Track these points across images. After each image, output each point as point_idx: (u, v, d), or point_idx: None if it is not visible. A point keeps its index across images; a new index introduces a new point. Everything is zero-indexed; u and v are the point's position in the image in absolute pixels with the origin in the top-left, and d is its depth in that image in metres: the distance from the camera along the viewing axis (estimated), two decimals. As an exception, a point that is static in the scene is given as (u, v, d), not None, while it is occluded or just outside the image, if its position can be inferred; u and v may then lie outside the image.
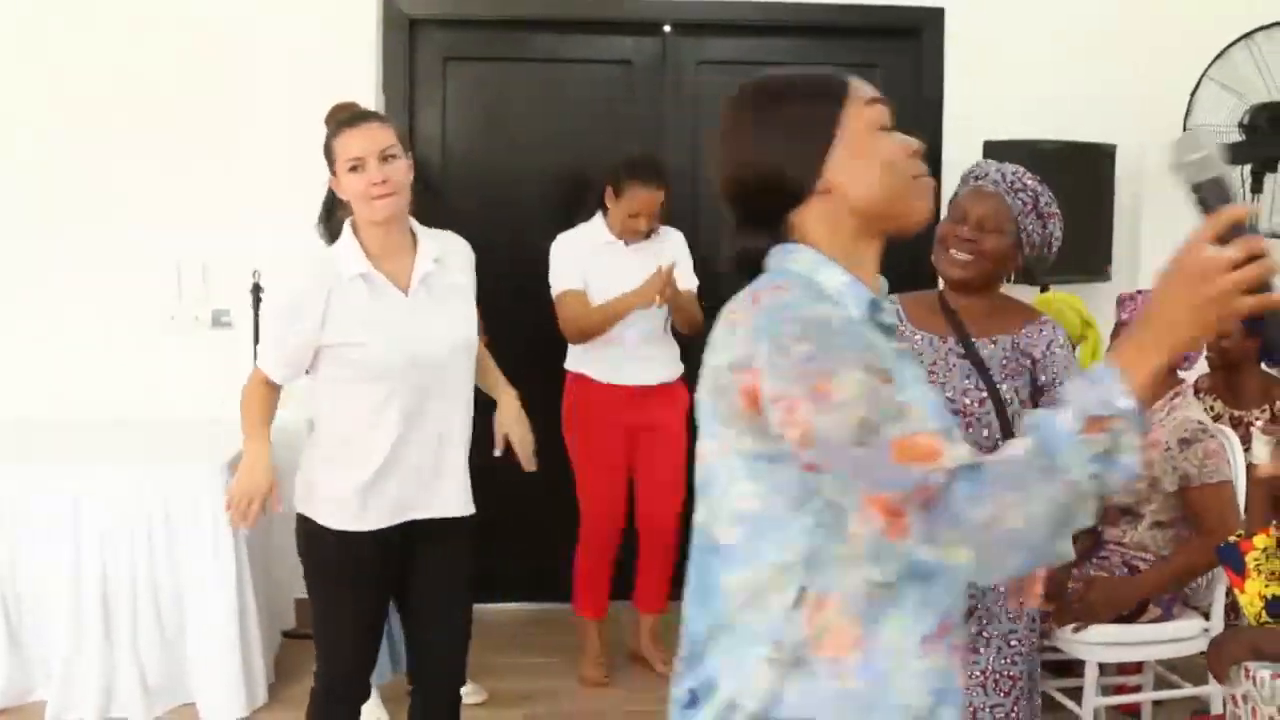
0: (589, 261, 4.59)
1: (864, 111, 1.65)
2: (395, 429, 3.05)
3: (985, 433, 2.72)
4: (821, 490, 1.51)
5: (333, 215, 3.95)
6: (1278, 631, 2.96)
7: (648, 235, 4.61)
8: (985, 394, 2.73)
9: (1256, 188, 5.11)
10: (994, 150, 5.21)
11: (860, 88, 1.66)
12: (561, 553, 4.90)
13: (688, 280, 4.64)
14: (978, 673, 2.81)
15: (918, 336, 2.78)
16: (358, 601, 3.15)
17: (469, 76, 5.42)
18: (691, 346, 4.55)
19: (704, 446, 1.63)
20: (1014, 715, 2.81)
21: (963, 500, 1.39)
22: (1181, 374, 3.85)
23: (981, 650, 2.82)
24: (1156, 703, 4.01)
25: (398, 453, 3.07)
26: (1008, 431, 2.71)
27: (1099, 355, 4.27)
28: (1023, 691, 2.83)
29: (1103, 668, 4.07)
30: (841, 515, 1.51)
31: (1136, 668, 4.19)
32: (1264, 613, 3.01)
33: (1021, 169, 2.90)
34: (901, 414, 1.45)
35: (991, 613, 2.82)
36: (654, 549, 4.79)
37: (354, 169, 2.99)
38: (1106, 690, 4.01)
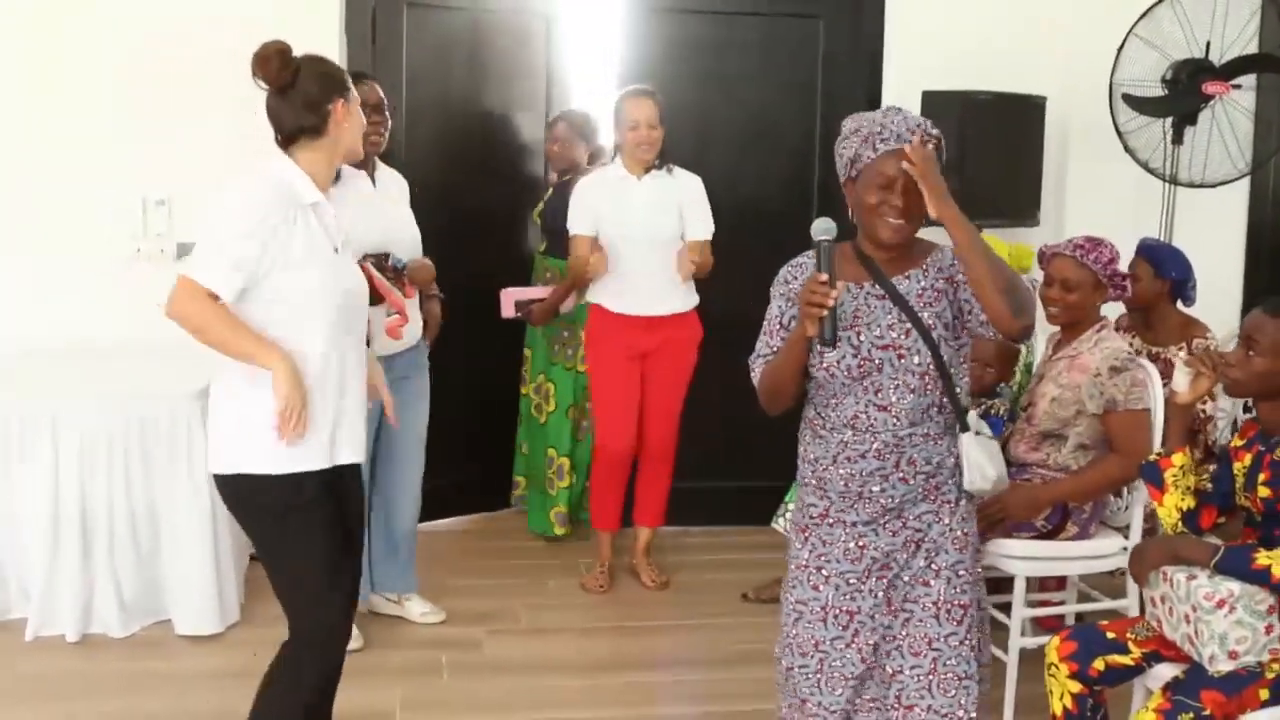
0: (603, 200, 4.90)
1: None
2: (320, 363, 3.09)
3: (916, 359, 2.88)
4: None
5: None
6: (1192, 539, 3.23)
7: (659, 167, 4.91)
8: (910, 325, 2.89)
9: (1177, 140, 5.36)
10: (931, 100, 5.45)
11: None
12: (499, 463, 5.48)
13: (701, 228, 4.93)
14: (930, 604, 2.94)
15: (841, 287, 2.84)
16: (337, 539, 3.16)
17: (429, 21, 5.53)
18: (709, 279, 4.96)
19: None
20: (968, 642, 2.94)
21: None
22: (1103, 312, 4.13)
23: (932, 582, 2.94)
24: (1079, 616, 4.30)
25: (319, 394, 3.10)
26: (937, 356, 2.88)
27: None
28: (974, 619, 2.97)
29: (1030, 588, 4.38)
30: None
31: (1060, 585, 4.50)
32: (1180, 523, 3.29)
33: (920, 118, 2.93)
34: None
35: (939, 545, 2.95)
36: (651, 467, 5.16)
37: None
38: (1034, 607, 4.32)
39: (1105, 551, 3.98)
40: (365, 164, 4.37)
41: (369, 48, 5.36)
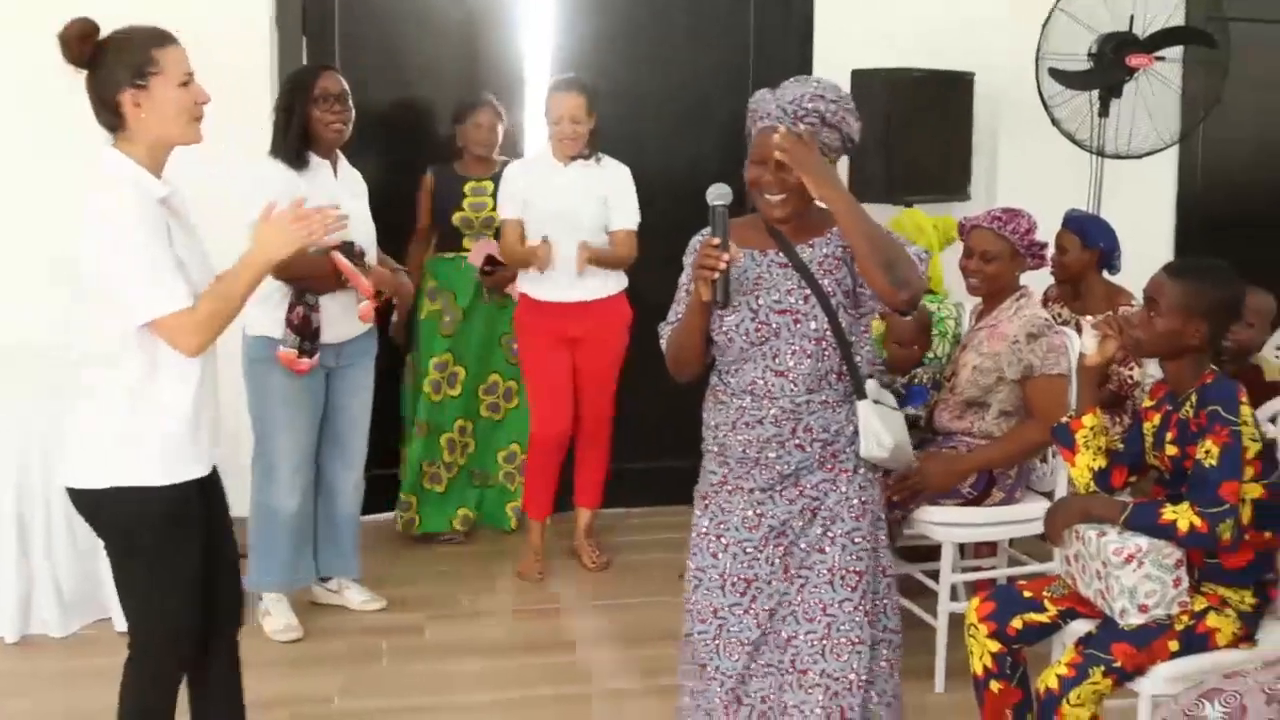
0: (531, 185, 4.91)
1: None
2: (203, 363, 2.90)
3: (813, 325, 2.92)
4: None
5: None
6: (1103, 497, 3.29)
7: (587, 157, 4.92)
8: (808, 291, 2.93)
9: (1103, 112, 5.43)
10: (861, 78, 5.50)
11: None
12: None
13: (625, 218, 4.95)
14: (825, 571, 2.97)
15: (740, 253, 2.88)
16: (194, 552, 2.96)
17: (361, 10, 5.54)
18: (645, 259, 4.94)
19: None
20: (862, 607, 2.96)
21: None
22: (1024, 282, 4.19)
23: (827, 549, 2.97)
24: (1010, 581, 4.36)
25: (200, 395, 2.92)
26: (835, 323, 2.92)
27: (932, 265, 4.62)
28: (868, 586, 2.99)
29: (962, 554, 4.45)
30: None
31: (991, 551, 4.56)
32: (1092, 483, 3.35)
33: (800, 91, 2.91)
34: None
35: (835, 513, 2.98)
36: (586, 451, 5.20)
37: (185, 84, 2.84)
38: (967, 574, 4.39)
39: (1031, 515, 4.02)
40: (327, 153, 4.41)
41: (299, 38, 5.39)
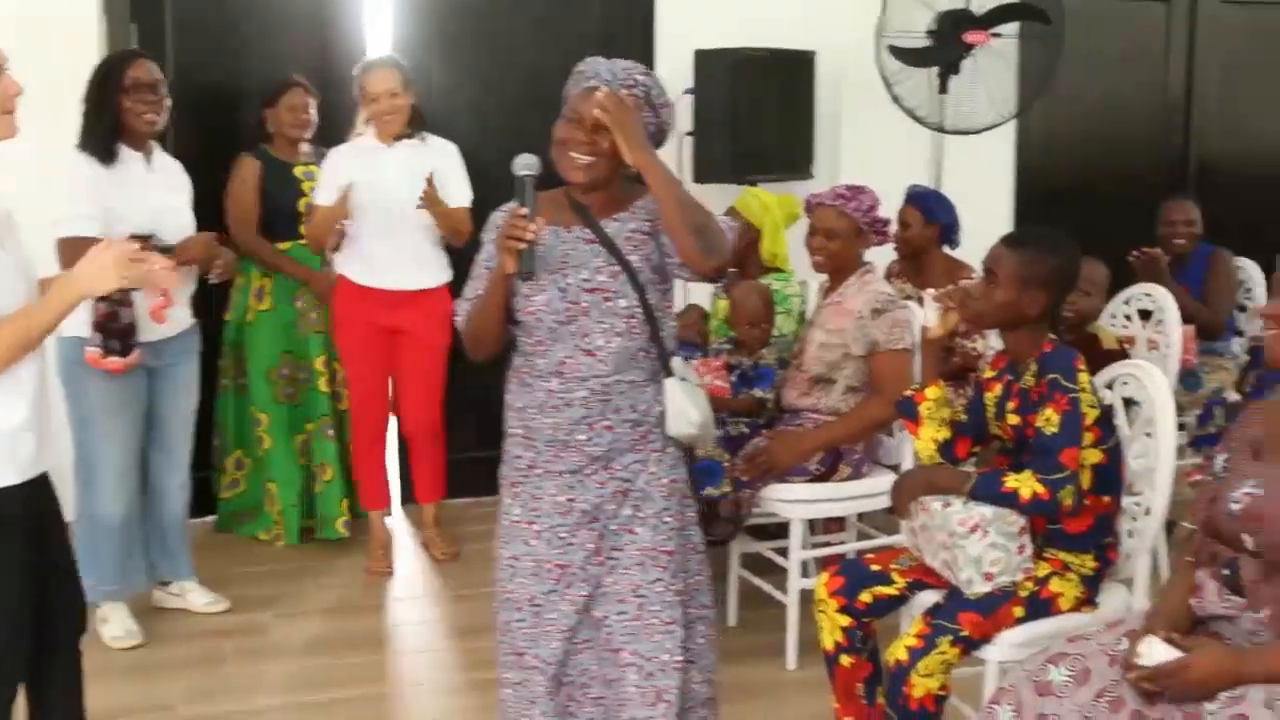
0: (353, 169, 4.75)
1: None
2: (39, 361, 2.73)
3: (623, 303, 2.86)
4: None
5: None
6: (948, 468, 3.30)
7: (411, 136, 4.80)
8: (618, 268, 2.87)
9: (943, 89, 5.49)
10: (704, 58, 5.50)
11: None
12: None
13: (458, 194, 4.82)
14: (635, 552, 2.91)
15: (545, 228, 2.83)
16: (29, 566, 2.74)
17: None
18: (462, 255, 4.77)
19: None
20: (673, 587, 2.93)
21: None
22: (868, 258, 4.21)
23: (638, 530, 2.93)
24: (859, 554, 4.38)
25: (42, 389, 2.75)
26: (644, 300, 2.87)
27: (777, 244, 4.62)
28: (680, 565, 2.96)
29: (812, 531, 4.46)
30: None
31: (839, 527, 4.58)
32: (937, 454, 3.36)
33: (632, 64, 2.91)
34: None
35: (645, 493, 2.94)
36: (422, 445, 5.08)
37: None
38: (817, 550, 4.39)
39: (878, 490, 4.04)
40: (140, 144, 4.23)
41: (128, 25, 5.20)
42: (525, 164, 2.81)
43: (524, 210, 2.76)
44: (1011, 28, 5.59)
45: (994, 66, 5.54)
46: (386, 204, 4.73)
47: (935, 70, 5.49)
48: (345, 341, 4.97)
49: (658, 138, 2.94)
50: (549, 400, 2.90)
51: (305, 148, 5.23)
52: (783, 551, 4.23)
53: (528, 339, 2.93)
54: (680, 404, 2.92)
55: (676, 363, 2.98)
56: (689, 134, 5.63)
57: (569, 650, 2.95)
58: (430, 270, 4.87)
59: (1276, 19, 7.13)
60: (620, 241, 2.89)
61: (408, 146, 4.80)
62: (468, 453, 5.29)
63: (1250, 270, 5.66)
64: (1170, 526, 4.26)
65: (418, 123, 4.82)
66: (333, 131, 5.24)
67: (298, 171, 5.16)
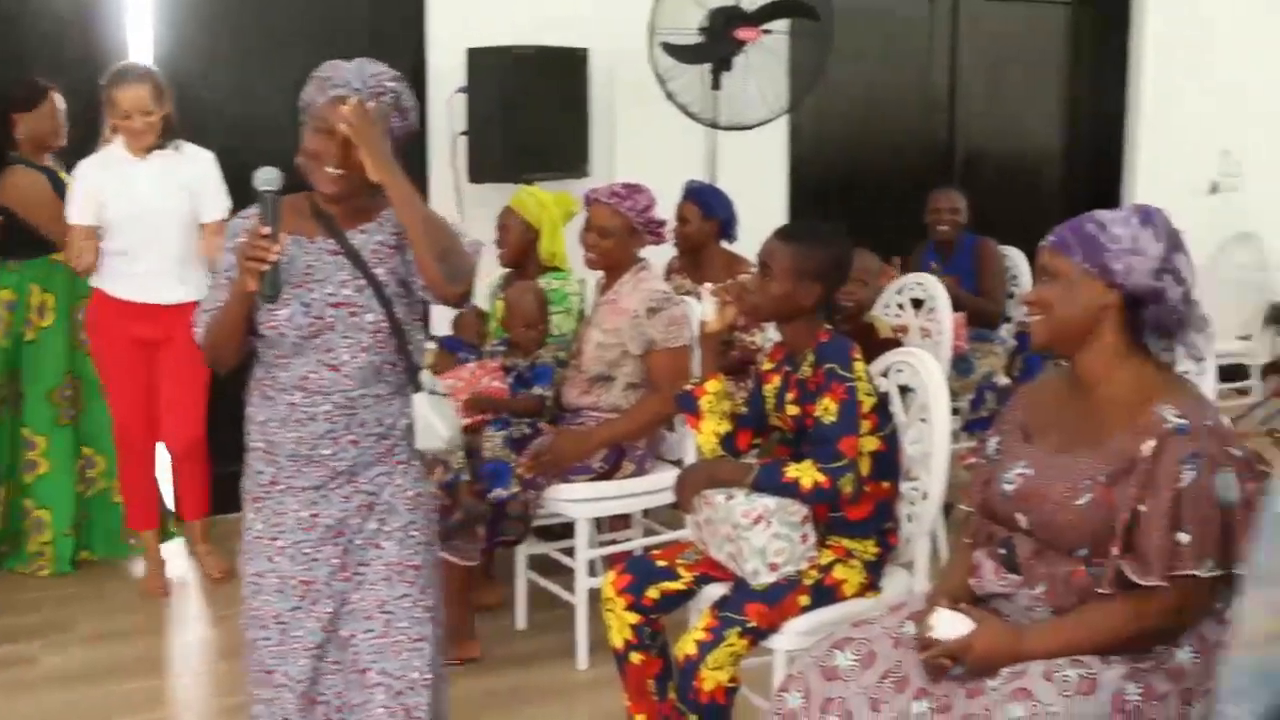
0: (107, 183, 4.53)
1: None
2: None
3: (370, 317, 2.76)
4: None
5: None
6: (730, 461, 3.32)
7: (164, 146, 4.57)
8: (364, 282, 2.77)
9: (716, 85, 5.53)
10: (477, 56, 5.43)
11: None
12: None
13: (213, 208, 4.63)
14: (382, 567, 2.83)
15: (288, 241, 2.71)
16: None
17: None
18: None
19: None
20: (421, 603, 2.85)
21: None
22: (642, 254, 4.20)
23: (384, 544, 2.84)
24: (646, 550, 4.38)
25: None
26: (391, 314, 2.78)
27: (555, 242, 4.59)
28: (428, 580, 2.89)
29: (598, 529, 4.44)
30: None
31: (625, 524, 4.57)
32: (719, 447, 3.38)
33: (381, 69, 2.78)
34: None
35: (391, 506, 2.86)
36: (185, 461, 4.87)
37: None
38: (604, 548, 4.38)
39: (663, 485, 4.04)
40: None
41: None
42: (266, 179, 2.66)
43: (266, 230, 2.62)
44: (782, 24, 5.65)
45: (766, 63, 5.61)
46: (142, 217, 4.53)
47: (708, 67, 5.52)
48: (103, 357, 4.74)
49: (406, 142, 2.84)
50: (292, 414, 2.78)
51: (49, 157, 4.95)
52: (569, 551, 4.20)
53: (270, 351, 2.81)
54: (428, 419, 2.84)
55: (425, 376, 2.89)
56: (463, 133, 5.55)
57: (319, 669, 2.85)
58: (190, 284, 4.64)
59: (1037, 16, 7.42)
60: (367, 254, 2.78)
61: (161, 157, 4.57)
62: (236, 466, 5.09)
63: (1015, 258, 5.88)
64: (948, 509, 4.38)
65: (171, 133, 4.59)
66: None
67: (66, 179, 4.87)
